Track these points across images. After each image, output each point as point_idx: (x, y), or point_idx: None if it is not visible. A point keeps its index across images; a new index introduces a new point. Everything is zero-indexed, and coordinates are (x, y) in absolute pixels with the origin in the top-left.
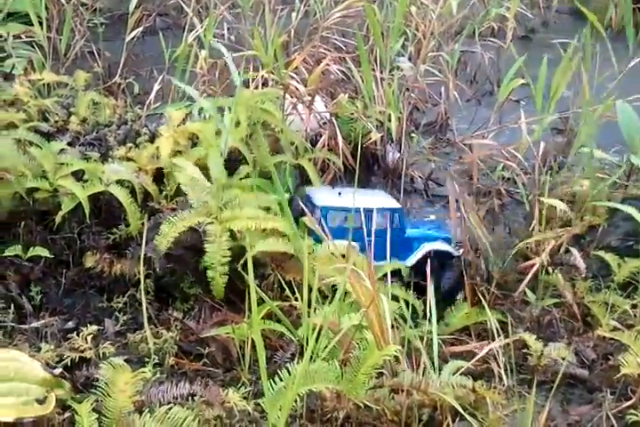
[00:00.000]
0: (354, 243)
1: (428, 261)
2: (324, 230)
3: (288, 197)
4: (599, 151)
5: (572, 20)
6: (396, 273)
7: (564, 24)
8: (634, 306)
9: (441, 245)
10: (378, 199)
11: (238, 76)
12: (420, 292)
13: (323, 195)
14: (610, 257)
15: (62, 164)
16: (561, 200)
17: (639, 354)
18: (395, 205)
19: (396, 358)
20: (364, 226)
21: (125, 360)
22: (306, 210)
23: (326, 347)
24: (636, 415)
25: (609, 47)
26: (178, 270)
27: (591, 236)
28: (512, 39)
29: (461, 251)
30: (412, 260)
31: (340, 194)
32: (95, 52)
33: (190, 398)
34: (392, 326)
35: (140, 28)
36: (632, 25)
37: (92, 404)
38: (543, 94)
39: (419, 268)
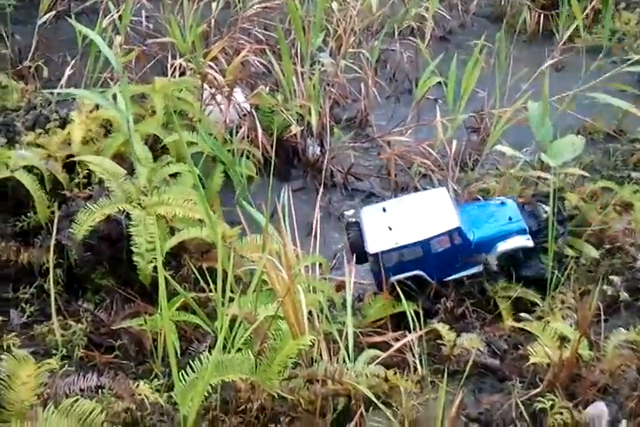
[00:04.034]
0: (421, 272)
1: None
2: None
3: None
4: (511, 150)
5: (489, 24)
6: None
7: (481, 27)
8: (543, 299)
9: (514, 243)
10: (432, 221)
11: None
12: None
13: (372, 231)
14: None
15: None
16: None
17: (547, 344)
18: (451, 224)
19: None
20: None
21: (31, 353)
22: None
23: (241, 337)
24: (544, 403)
25: (524, 49)
26: (91, 260)
27: None
28: (430, 39)
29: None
30: (491, 266)
31: (384, 210)
32: (4, 34)
33: (99, 390)
34: (312, 317)
35: (53, 12)
36: (542, 29)
37: None
38: (456, 94)
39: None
